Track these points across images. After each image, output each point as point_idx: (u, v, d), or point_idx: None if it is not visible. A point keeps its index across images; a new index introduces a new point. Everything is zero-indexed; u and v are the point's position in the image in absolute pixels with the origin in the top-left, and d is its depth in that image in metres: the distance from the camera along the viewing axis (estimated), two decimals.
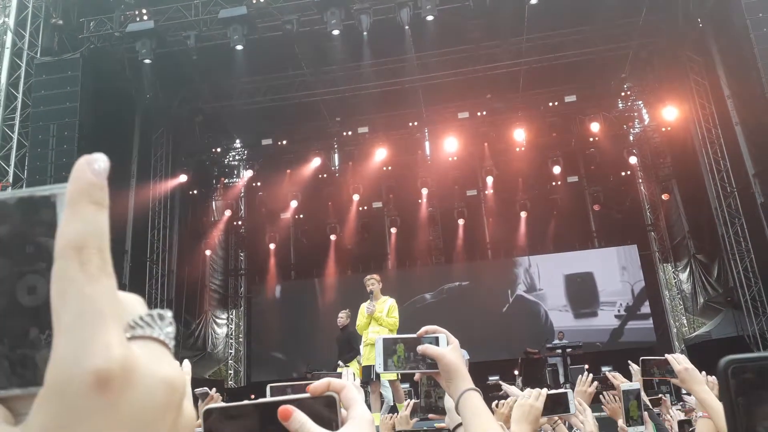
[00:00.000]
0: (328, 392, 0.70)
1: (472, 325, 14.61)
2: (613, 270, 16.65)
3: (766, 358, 0.48)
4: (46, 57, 12.06)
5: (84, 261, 0.34)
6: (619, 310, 16.12)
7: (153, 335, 0.37)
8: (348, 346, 8.01)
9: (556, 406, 2.35)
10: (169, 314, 0.40)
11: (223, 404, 0.68)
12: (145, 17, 12.04)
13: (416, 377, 1.48)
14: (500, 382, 2.35)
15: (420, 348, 1.35)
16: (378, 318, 7.08)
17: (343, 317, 8.35)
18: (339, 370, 8.11)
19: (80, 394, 0.32)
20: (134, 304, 0.39)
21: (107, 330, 0.33)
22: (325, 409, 0.69)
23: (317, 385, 0.71)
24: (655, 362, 2.50)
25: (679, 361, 2.29)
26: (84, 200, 0.35)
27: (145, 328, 0.37)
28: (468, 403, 1.30)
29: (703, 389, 2.21)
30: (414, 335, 1.38)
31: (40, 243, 0.37)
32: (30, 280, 0.37)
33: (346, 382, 0.73)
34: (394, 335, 1.45)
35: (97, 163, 0.36)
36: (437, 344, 1.36)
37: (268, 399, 0.68)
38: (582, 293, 16.40)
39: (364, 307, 7.25)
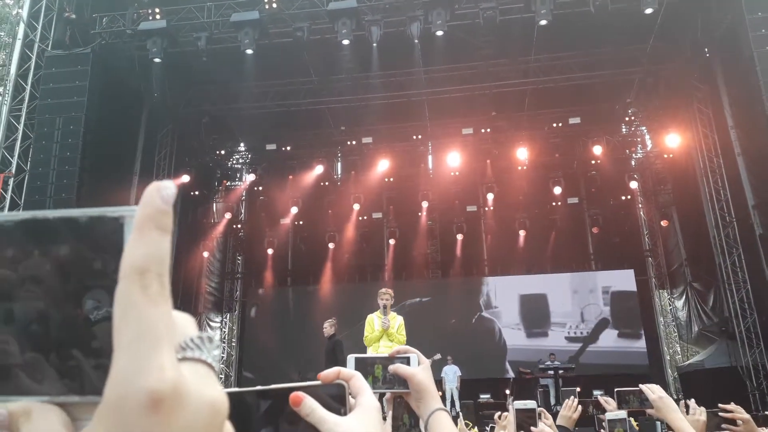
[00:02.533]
0: (337, 380, 0.74)
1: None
2: (565, 292, 16.77)
3: None
4: (56, 50, 12.13)
5: (145, 285, 0.36)
6: (569, 332, 16.22)
7: (201, 357, 0.40)
8: (332, 356, 7.80)
9: None
10: (216, 337, 0.42)
11: (230, 390, 0.70)
12: (158, 16, 12.13)
13: (387, 397, 1.49)
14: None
15: (391, 368, 1.36)
16: (391, 334, 6.88)
17: (327, 327, 8.13)
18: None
19: (134, 412, 0.34)
20: (186, 324, 0.42)
21: (162, 353, 0.36)
22: (335, 396, 0.71)
23: (328, 373, 0.76)
24: (630, 393, 2.52)
25: (653, 390, 2.32)
26: (150, 225, 0.38)
27: (194, 350, 0.40)
28: (437, 423, 1.32)
29: (678, 417, 2.24)
30: (386, 355, 1.39)
31: (107, 260, 0.40)
32: (96, 294, 0.40)
33: (356, 372, 0.77)
34: (365, 355, 1.46)
35: (167, 190, 0.39)
36: (408, 364, 1.37)
37: (276, 386, 0.70)
38: (535, 313, 16.60)
39: (373, 319, 7.00)
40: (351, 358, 1.40)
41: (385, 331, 6.94)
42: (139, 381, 0.34)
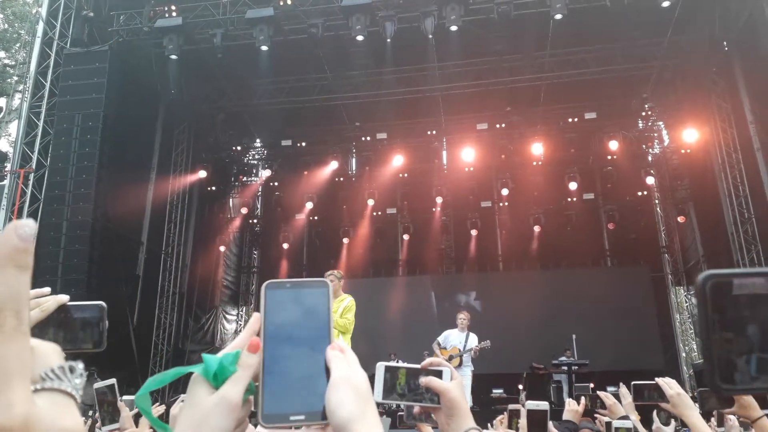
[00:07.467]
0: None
1: None
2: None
3: (748, 274, 0.43)
4: (75, 48, 12.30)
5: (1, 323, 0.37)
6: None
7: (61, 387, 0.40)
8: None
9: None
10: (80, 366, 0.42)
11: None
12: (174, 14, 12.25)
13: (416, 410, 1.43)
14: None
15: (423, 380, 1.28)
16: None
17: None
18: None
19: None
20: (49, 354, 0.42)
21: (12, 389, 0.36)
22: None
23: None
24: (647, 387, 2.49)
25: (670, 386, 2.30)
26: (8, 264, 0.38)
27: (54, 380, 0.40)
28: None
29: (695, 415, 2.24)
30: (417, 366, 1.32)
31: None
32: None
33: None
34: (397, 364, 1.42)
35: (24, 228, 0.39)
36: (441, 378, 1.30)
37: None
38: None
39: None
40: (381, 366, 1.35)
41: None
42: None
